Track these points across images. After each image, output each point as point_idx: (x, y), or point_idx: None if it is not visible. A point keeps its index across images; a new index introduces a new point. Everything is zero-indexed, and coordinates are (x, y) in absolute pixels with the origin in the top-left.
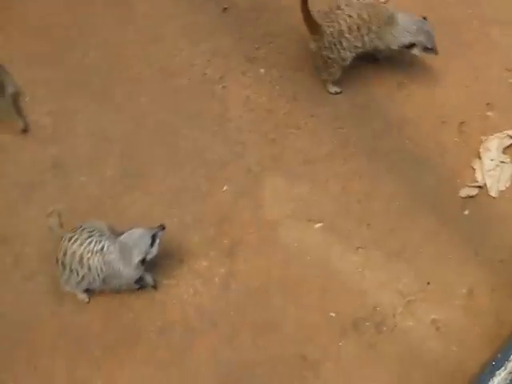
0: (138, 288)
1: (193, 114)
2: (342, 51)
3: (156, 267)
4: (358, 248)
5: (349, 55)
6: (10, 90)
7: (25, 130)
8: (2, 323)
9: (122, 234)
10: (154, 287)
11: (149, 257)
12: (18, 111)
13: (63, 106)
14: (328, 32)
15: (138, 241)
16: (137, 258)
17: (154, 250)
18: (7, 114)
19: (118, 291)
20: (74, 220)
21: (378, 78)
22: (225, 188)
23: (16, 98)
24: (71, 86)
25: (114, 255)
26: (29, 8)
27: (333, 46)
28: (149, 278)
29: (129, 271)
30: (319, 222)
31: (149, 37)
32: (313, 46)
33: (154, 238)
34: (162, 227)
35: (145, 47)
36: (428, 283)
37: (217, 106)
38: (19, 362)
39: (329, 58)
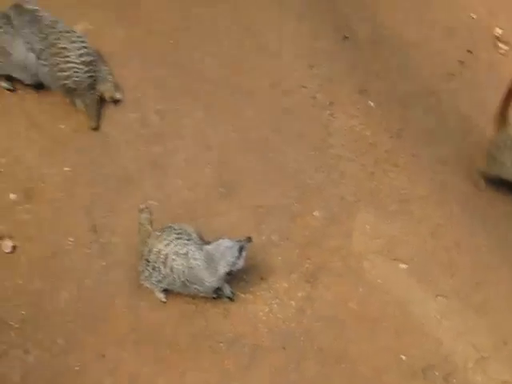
0: (215, 297)
1: (296, 134)
2: (499, 160)
3: (236, 280)
4: (438, 295)
5: (497, 167)
6: (102, 86)
7: (95, 129)
8: (77, 307)
9: (209, 242)
10: (231, 299)
11: (235, 269)
12: (98, 110)
13: (172, 108)
14: (504, 139)
15: (225, 252)
16: (223, 270)
17: (240, 263)
18: (88, 109)
19: (194, 296)
20: (163, 220)
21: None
22: (315, 213)
23: (109, 93)
24: (183, 89)
25: (199, 262)
26: (156, 8)
27: (500, 147)
28: (227, 290)
29: (212, 280)
30: (405, 262)
31: (266, 53)
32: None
33: (241, 250)
34: (249, 239)
35: (260, 62)
36: (505, 343)
37: (321, 131)
38: (89, 347)
39: (490, 152)
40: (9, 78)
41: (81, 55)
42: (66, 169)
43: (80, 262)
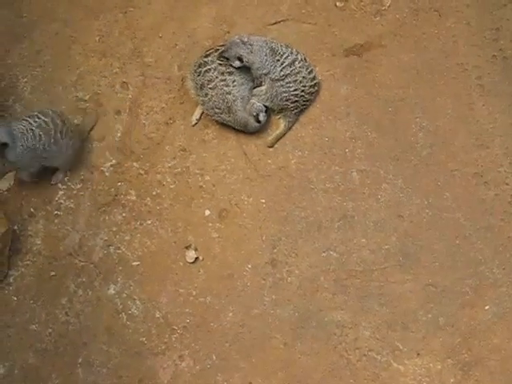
0: None
1: (487, 226)
2: None
3: (391, 348)
4: None
5: None
6: None
7: (270, 147)
8: (239, 331)
9: None
10: None
11: None
12: (282, 135)
13: (374, 170)
14: None
15: None
16: None
17: None
18: (281, 129)
19: (346, 352)
20: (338, 272)
21: None
22: (487, 307)
23: None
24: (389, 156)
25: None
26: (384, 74)
27: None
28: None
29: None
30: None
31: (477, 142)
32: None
33: None
34: None
35: (470, 149)
36: None
37: (509, 229)
38: (238, 372)
39: None
40: None
41: (311, 86)
42: (262, 200)
43: (252, 290)
